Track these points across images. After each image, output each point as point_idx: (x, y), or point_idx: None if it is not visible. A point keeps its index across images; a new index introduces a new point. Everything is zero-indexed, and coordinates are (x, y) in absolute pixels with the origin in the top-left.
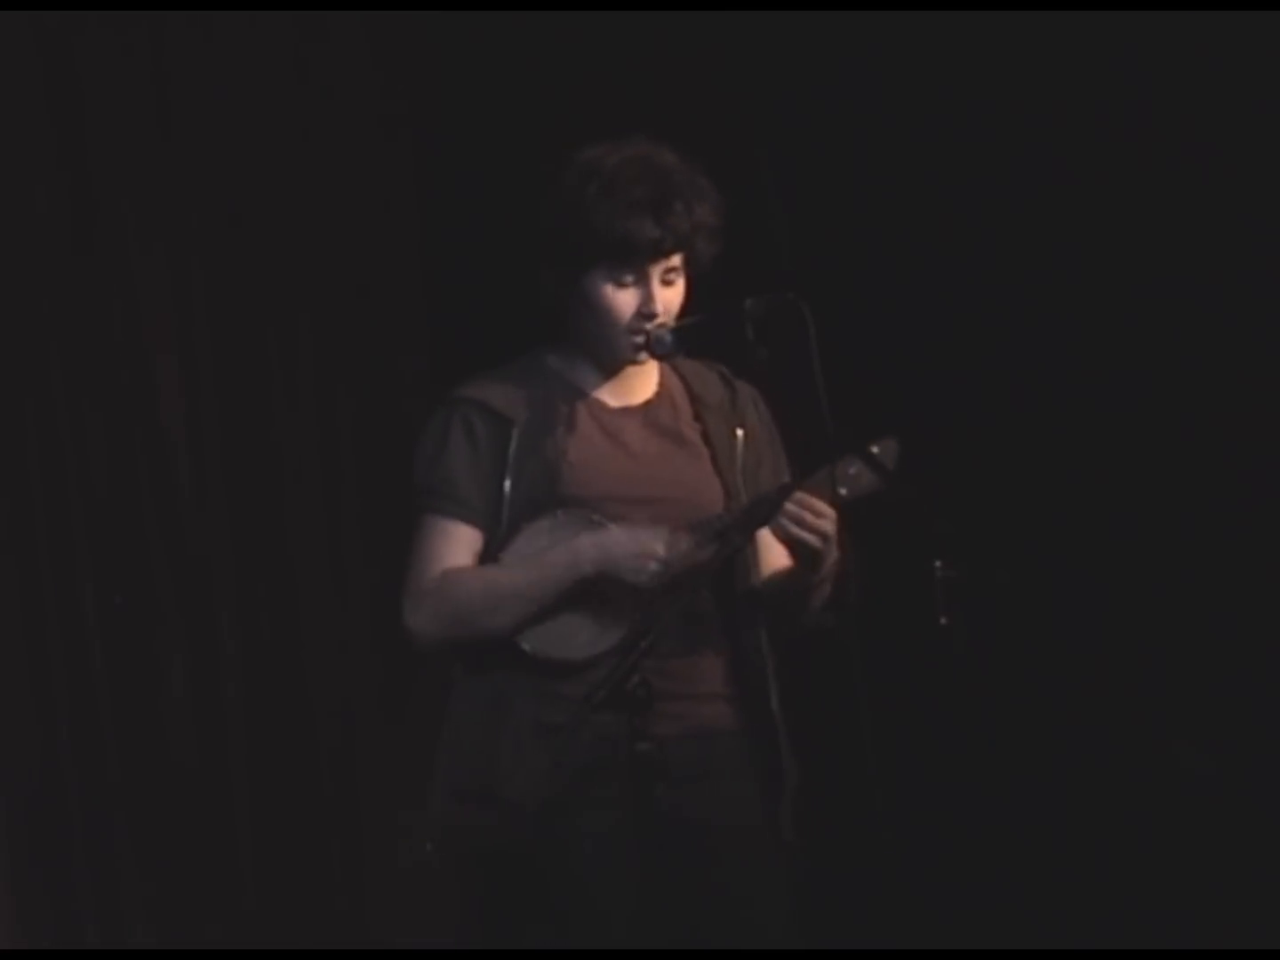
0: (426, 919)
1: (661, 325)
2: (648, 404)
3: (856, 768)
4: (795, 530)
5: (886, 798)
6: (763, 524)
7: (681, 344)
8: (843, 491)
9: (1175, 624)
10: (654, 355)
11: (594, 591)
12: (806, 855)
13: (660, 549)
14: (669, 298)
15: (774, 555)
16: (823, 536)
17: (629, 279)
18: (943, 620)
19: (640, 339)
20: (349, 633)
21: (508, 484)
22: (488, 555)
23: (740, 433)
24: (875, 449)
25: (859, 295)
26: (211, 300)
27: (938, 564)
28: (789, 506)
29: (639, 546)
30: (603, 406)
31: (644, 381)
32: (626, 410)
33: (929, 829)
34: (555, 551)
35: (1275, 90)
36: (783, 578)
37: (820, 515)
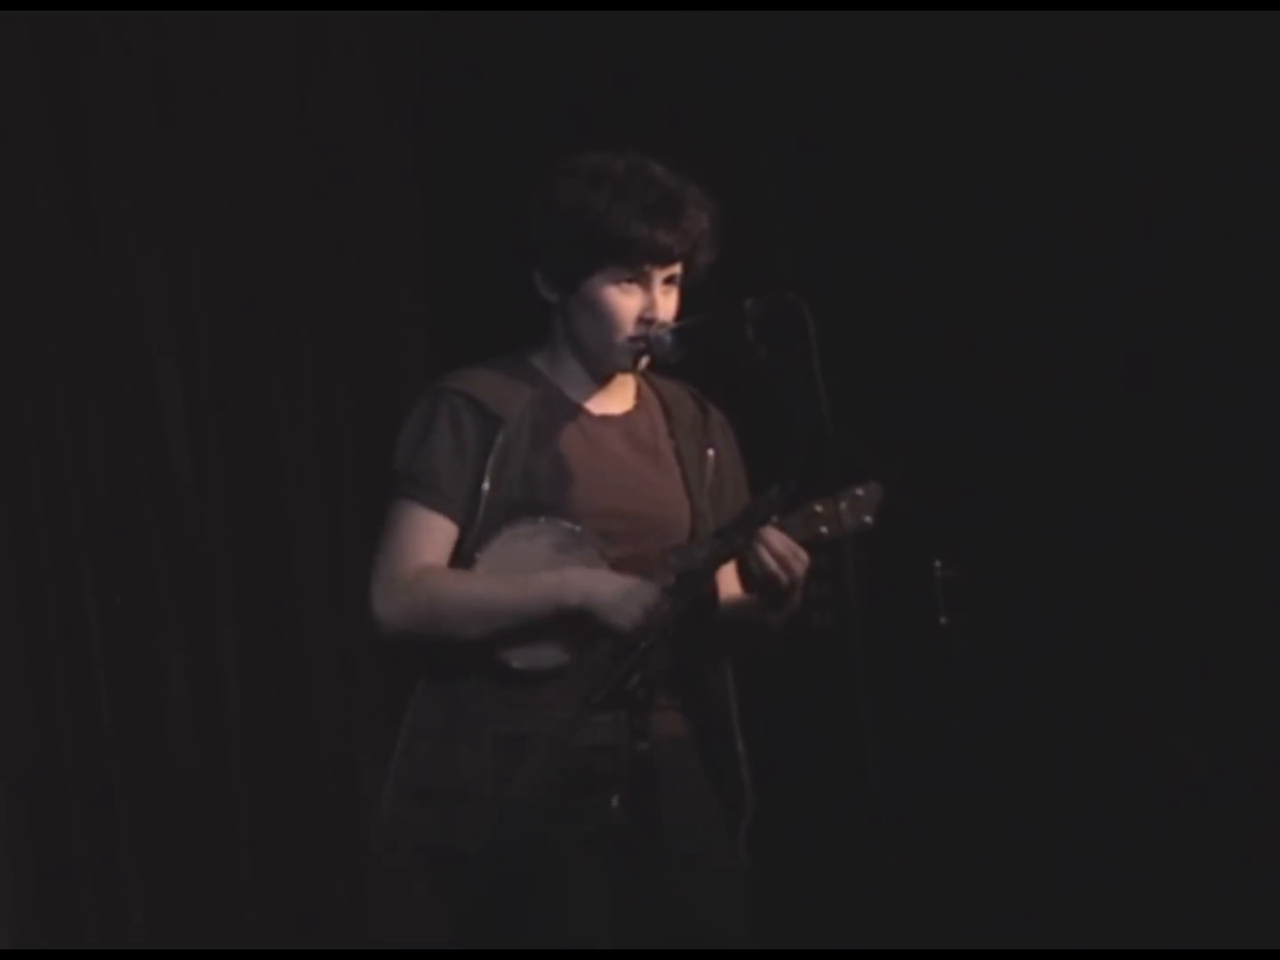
0: (425, 919)
1: (662, 326)
2: (627, 415)
3: (856, 767)
4: (770, 565)
5: (886, 797)
6: (763, 523)
7: (681, 345)
8: (824, 530)
9: (1176, 623)
10: (654, 357)
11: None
12: (804, 854)
13: (648, 602)
14: (667, 304)
15: (726, 581)
16: (792, 578)
17: (633, 283)
18: (943, 620)
19: (639, 345)
20: (348, 633)
21: (486, 484)
22: (462, 552)
23: (711, 454)
24: (860, 491)
25: (859, 295)
26: (211, 300)
27: (938, 564)
28: (768, 540)
29: (626, 596)
30: (585, 414)
31: (624, 392)
32: (607, 419)
33: (928, 828)
34: (542, 577)
35: (1275, 90)
36: (737, 607)
37: (795, 557)
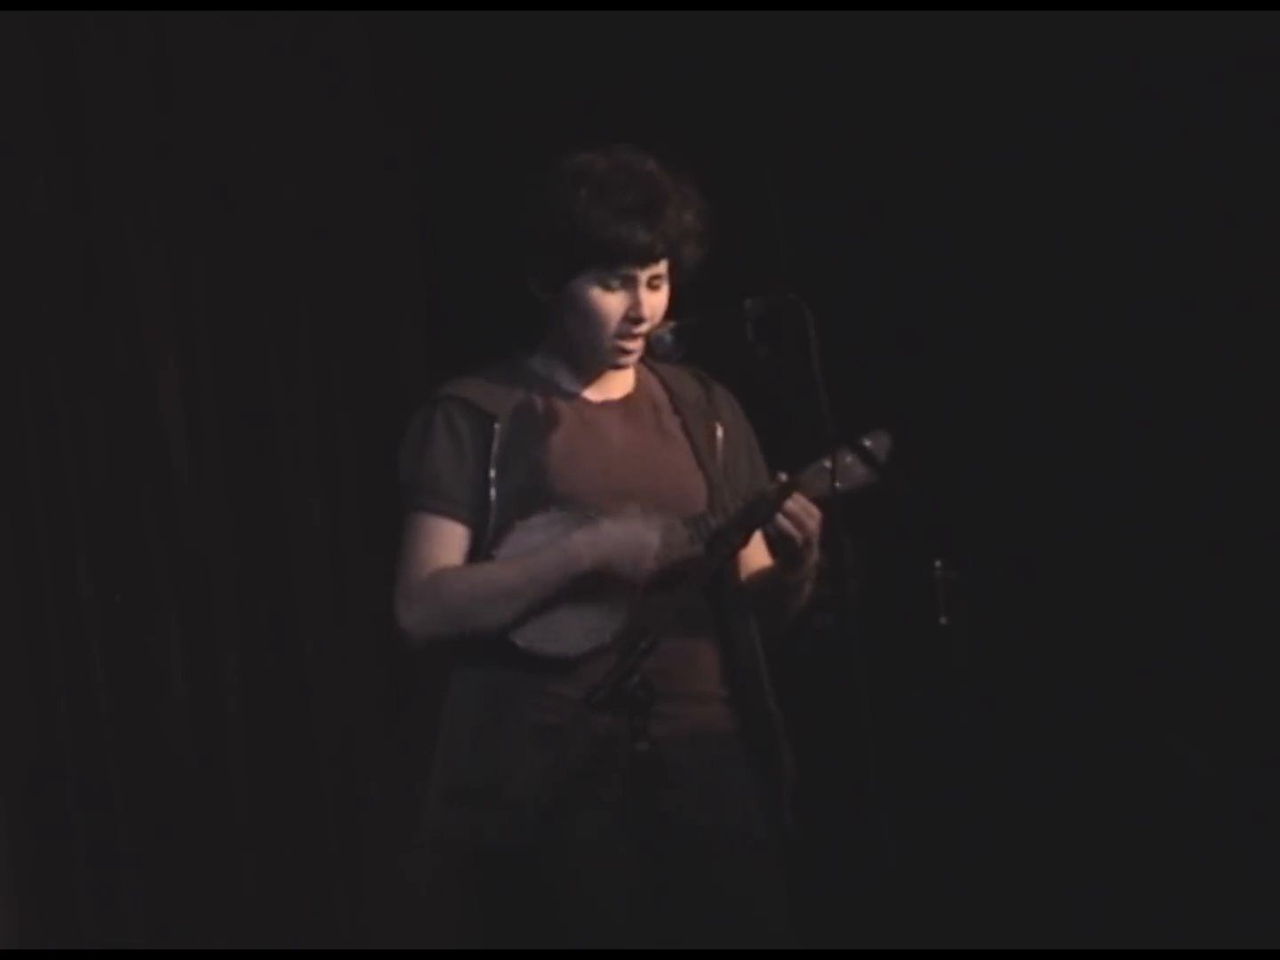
0: (426, 919)
1: (662, 326)
2: (627, 398)
3: (856, 767)
4: (783, 524)
5: (886, 797)
6: (762, 524)
7: (681, 344)
8: (837, 485)
9: (1175, 623)
10: (655, 357)
11: (586, 588)
12: (805, 856)
13: (655, 540)
14: (655, 302)
15: (755, 554)
16: (806, 534)
17: (616, 284)
18: (943, 620)
19: (625, 343)
20: (348, 631)
21: (493, 480)
22: (479, 552)
23: (719, 429)
24: (867, 442)
25: (859, 295)
26: (211, 299)
27: (938, 564)
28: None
29: (634, 540)
30: (584, 402)
31: (622, 380)
32: (607, 404)
33: (928, 828)
34: (548, 549)
35: (1275, 90)
36: (763, 577)
37: (808, 514)
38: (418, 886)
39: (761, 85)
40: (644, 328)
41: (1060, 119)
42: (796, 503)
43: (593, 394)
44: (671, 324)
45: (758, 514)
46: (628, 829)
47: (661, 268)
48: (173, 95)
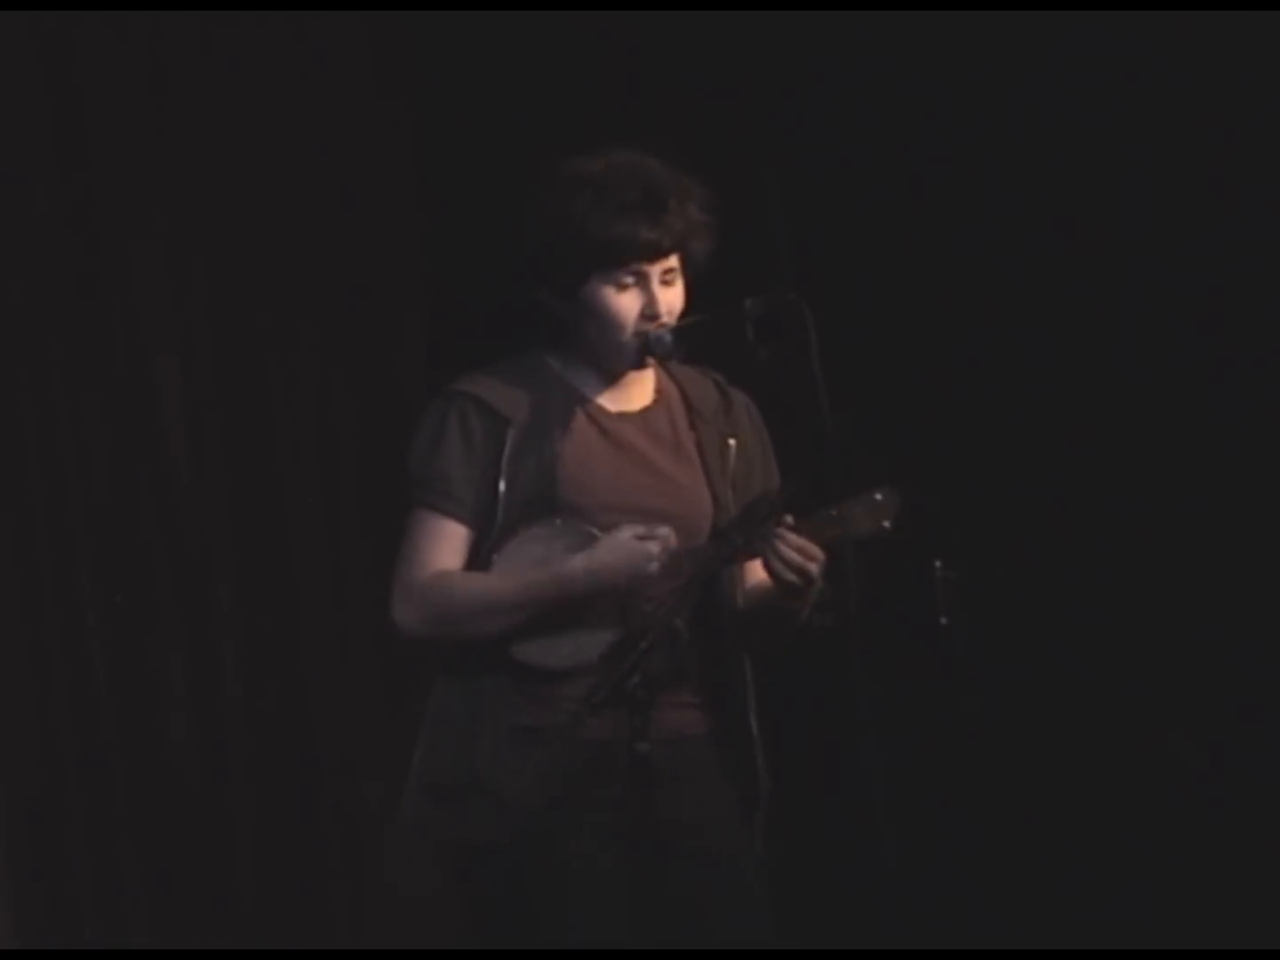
0: (425, 919)
1: (661, 326)
2: (646, 410)
3: (856, 767)
4: (779, 568)
5: (886, 797)
6: (762, 522)
7: (681, 345)
8: (841, 534)
9: (1174, 622)
10: (654, 356)
11: (579, 604)
12: (804, 855)
13: (652, 566)
14: (670, 298)
15: (756, 569)
16: (807, 578)
17: (629, 282)
18: (943, 620)
19: (644, 343)
20: (349, 631)
21: (502, 484)
22: (480, 555)
23: (733, 442)
24: (878, 496)
25: (859, 295)
26: (211, 299)
27: (938, 564)
28: (779, 545)
29: (630, 561)
30: (602, 411)
31: (642, 388)
32: (625, 416)
33: (928, 828)
34: (547, 570)
35: (1275, 90)
36: (762, 595)
37: (811, 558)
38: (396, 883)
39: (761, 85)
40: (658, 324)
41: (1061, 120)
42: (796, 546)
43: (611, 402)
44: (671, 324)
45: (757, 513)
46: (619, 827)
47: (672, 262)
48: (172, 95)
